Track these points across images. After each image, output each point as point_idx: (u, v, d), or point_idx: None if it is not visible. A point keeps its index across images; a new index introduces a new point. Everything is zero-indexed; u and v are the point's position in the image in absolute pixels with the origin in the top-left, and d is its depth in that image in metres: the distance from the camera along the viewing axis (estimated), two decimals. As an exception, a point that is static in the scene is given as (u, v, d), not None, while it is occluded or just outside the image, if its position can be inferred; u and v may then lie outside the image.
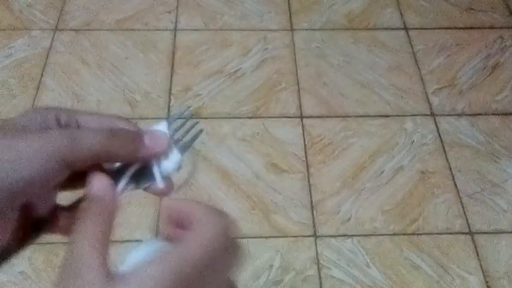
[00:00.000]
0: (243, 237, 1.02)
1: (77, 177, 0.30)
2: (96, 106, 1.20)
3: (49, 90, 1.23)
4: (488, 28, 1.41)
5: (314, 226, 1.04)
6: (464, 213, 1.07)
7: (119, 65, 1.28)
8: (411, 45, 1.36)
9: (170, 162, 0.31)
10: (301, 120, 1.20)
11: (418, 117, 1.22)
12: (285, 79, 1.27)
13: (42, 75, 1.25)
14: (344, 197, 1.08)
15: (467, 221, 1.06)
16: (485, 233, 1.04)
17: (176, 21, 1.38)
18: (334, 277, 0.98)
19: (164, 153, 0.31)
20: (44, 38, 1.33)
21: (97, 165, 0.30)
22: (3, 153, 0.26)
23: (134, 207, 1.03)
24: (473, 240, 1.03)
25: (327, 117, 1.21)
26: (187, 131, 0.33)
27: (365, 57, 1.33)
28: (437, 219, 1.06)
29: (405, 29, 1.40)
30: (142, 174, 0.31)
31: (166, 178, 0.31)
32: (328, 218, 1.05)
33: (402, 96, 1.25)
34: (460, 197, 1.09)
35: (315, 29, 1.38)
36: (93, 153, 0.28)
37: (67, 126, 0.29)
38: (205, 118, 1.19)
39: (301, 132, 1.18)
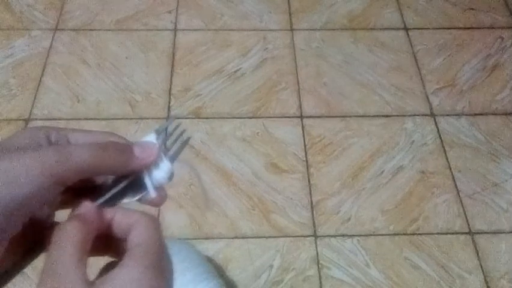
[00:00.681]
0: (243, 237, 1.02)
1: (73, 195, 0.30)
2: (96, 106, 1.20)
3: (49, 90, 1.23)
4: (488, 28, 1.41)
5: (314, 226, 1.04)
6: (464, 213, 1.07)
7: (119, 65, 1.28)
8: (411, 45, 1.36)
9: (161, 172, 0.31)
10: (301, 120, 1.20)
11: (418, 117, 1.22)
12: (285, 79, 1.27)
13: (42, 75, 1.25)
14: (344, 197, 1.08)
15: (467, 221, 1.06)
16: (485, 233, 1.04)
17: (176, 21, 1.38)
18: (334, 277, 0.98)
19: (155, 163, 0.31)
20: (44, 38, 1.33)
21: (90, 180, 0.30)
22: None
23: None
24: (473, 240, 1.03)
25: (327, 117, 1.21)
26: (176, 140, 0.33)
27: (365, 57, 1.33)
28: (437, 219, 1.06)
29: (405, 29, 1.40)
30: (135, 186, 0.31)
31: (159, 188, 0.31)
32: (328, 218, 1.05)
33: (402, 96, 1.25)
34: (460, 197, 1.09)
35: (315, 29, 1.38)
36: (84, 167, 0.28)
37: (57, 144, 0.30)
38: (205, 118, 1.19)
39: (301, 132, 1.18)
